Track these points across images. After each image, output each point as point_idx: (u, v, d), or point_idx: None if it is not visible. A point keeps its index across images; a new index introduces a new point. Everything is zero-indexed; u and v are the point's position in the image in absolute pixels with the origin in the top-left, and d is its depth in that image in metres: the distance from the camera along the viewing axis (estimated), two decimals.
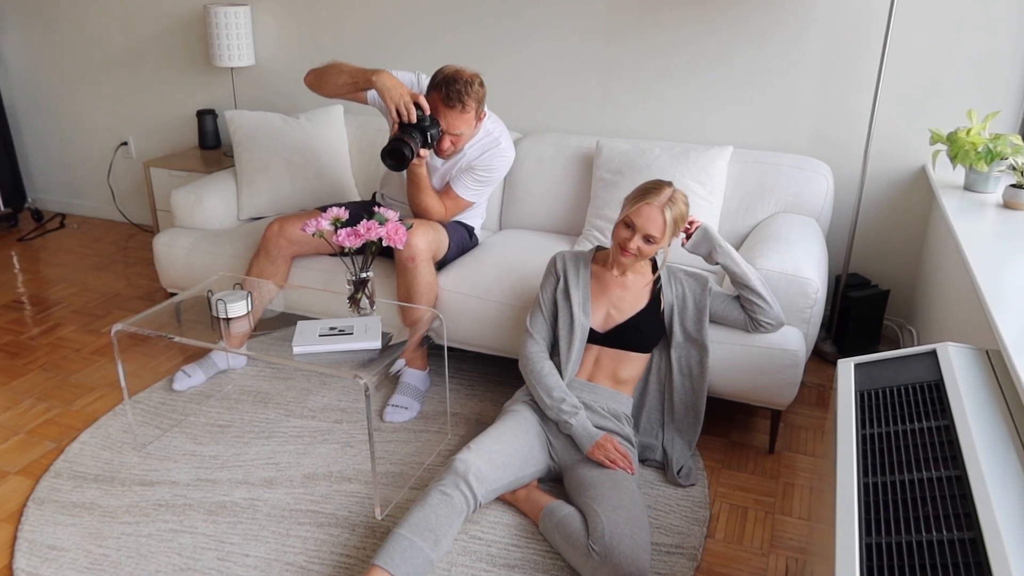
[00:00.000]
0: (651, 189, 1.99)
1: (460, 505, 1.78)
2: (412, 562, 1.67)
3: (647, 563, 1.69)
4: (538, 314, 2.14)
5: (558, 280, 2.14)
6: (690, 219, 2.12)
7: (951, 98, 2.62)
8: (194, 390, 2.57)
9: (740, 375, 2.18)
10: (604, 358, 2.10)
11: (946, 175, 2.56)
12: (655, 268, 2.16)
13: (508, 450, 1.93)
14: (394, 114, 2.27)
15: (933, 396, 1.35)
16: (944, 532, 1.05)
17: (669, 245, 2.05)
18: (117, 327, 2.15)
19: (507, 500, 2.01)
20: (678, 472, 2.12)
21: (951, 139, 2.37)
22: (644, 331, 2.08)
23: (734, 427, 2.43)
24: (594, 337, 2.08)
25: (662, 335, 2.13)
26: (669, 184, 2.01)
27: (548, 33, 3.06)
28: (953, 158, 2.36)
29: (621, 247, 2.01)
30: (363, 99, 2.46)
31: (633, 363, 2.10)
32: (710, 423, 2.44)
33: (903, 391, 1.41)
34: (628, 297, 2.10)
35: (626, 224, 2.00)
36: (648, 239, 1.98)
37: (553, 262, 2.16)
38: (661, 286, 2.12)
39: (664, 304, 2.11)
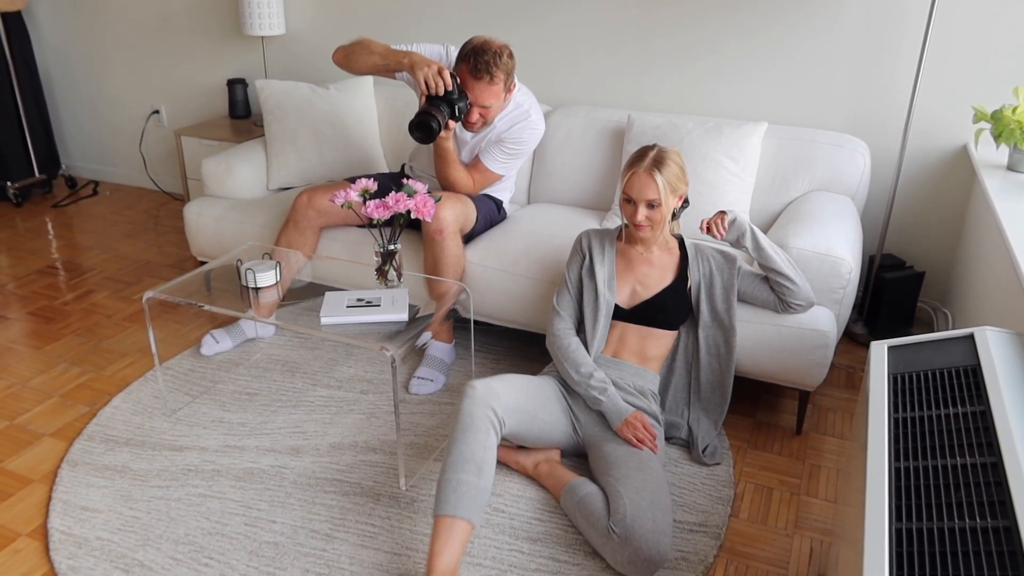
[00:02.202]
0: (636, 159, 1.99)
1: (486, 426, 1.77)
2: (465, 497, 1.67)
3: (668, 546, 1.68)
4: (564, 292, 2.13)
5: (584, 258, 2.13)
6: (718, 216, 2.06)
7: (997, 74, 2.54)
8: (222, 357, 2.60)
9: (769, 355, 2.15)
10: (630, 335, 2.08)
11: (989, 154, 2.49)
12: (683, 245, 2.13)
13: (521, 383, 1.94)
14: (423, 86, 2.25)
15: (969, 381, 1.32)
16: (977, 520, 1.03)
17: (682, 206, 2.08)
18: (148, 294, 2.18)
19: (530, 475, 2.02)
20: (703, 451, 2.11)
21: (996, 117, 2.30)
22: (670, 308, 2.07)
23: (761, 407, 2.41)
24: (620, 314, 2.07)
25: (689, 312, 2.11)
26: (653, 146, 2.00)
27: (581, 3, 3.00)
28: (997, 137, 2.30)
29: (632, 224, 2.01)
30: (392, 75, 2.44)
31: (659, 340, 2.09)
32: (737, 402, 2.42)
33: (938, 375, 1.38)
34: (654, 273, 2.09)
35: (627, 200, 2.00)
36: (650, 205, 1.97)
37: (579, 240, 2.15)
38: (688, 263, 2.10)
39: (691, 281, 2.09)
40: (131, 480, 2.03)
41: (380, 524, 1.89)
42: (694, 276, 2.10)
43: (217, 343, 2.61)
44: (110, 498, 1.96)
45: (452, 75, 2.26)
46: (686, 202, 2.12)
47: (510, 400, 1.86)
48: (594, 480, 1.91)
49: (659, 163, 1.96)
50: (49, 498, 1.98)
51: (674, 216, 2.15)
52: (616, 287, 2.09)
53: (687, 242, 2.13)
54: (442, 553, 1.61)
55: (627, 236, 2.12)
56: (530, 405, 1.93)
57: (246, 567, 1.76)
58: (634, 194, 1.97)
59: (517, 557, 1.79)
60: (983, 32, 2.51)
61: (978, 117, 2.35)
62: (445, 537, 1.63)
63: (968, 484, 1.10)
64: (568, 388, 2.08)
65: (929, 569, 0.99)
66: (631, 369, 2.08)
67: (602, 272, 2.08)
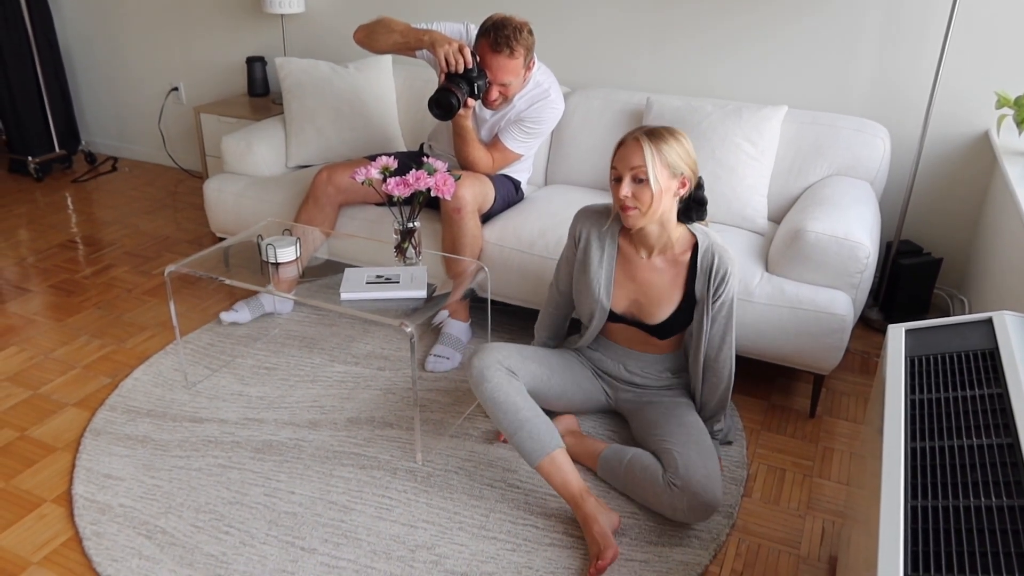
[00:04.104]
0: (628, 133, 1.82)
1: (502, 375, 1.85)
2: (542, 435, 1.79)
3: (720, 490, 1.76)
4: (552, 286, 2.12)
5: (575, 250, 1.99)
6: None
7: (1020, 60, 2.52)
8: (241, 332, 2.63)
9: (785, 338, 2.16)
10: (641, 335, 2.02)
11: (1011, 141, 2.47)
12: (693, 258, 1.90)
13: (530, 350, 1.98)
14: (442, 63, 2.26)
15: (987, 364, 1.33)
16: (993, 498, 1.04)
17: (690, 197, 1.85)
18: (171, 268, 2.21)
19: None
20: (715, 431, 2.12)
21: (1019, 103, 2.28)
22: (676, 329, 1.96)
23: (775, 390, 2.42)
24: (624, 321, 2.00)
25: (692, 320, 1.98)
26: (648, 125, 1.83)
27: None
28: (1020, 123, 2.28)
29: (621, 206, 1.80)
30: (412, 54, 2.44)
31: (671, 339, 2.03)
32: (751, 385, 2.43)
33: (956, 358, 1.38)
34: (657, 284, 1.91)
35: (615, 178, 1.81)
36: (636, 178, 1.76)
37: (573, 226, 1.98)
38: (696, 277, 1.89)
39: (697, 296, 1.92)
40: (153, 450, 2.07)
41: (397, 497, 1.92)
42: (699, 291, 1.89)
43: (235, 312, 2.63)
44: (132, 466, 2.00)
45: (472, 53, 2.27)
46: (702, 201, 1.88)
47: (516, 356, 1.92)
48: (637, 445, 1.96)
49: (652, 134, 1.77)
50: (73, 465, 2.02)
51: (695, 216, 1.90)
52: (614, 293, 1.96)
53: (701, 250, 1.87)
54: (567, 483, 1.79)
55: (624, 229, 1.94)
56: (542, 364, 1.97)
57: (266, 535, 1.79)
58: (620, 166, 1.78)
59: (531, 532, 1.82)
60: (1007, 17, 2.49)
61: (1001, 103, 2.34)
62: (557, 473, 1.79)
63: (984, 464, 1.11)
64: (596, 363, 2.11)
65: (944, 546, 1.01)
66: (647, 358, 2.07)
67: (600, 275, 1.94)
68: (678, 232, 1.88)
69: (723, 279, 1.86)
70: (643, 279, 1.93)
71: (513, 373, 1.88)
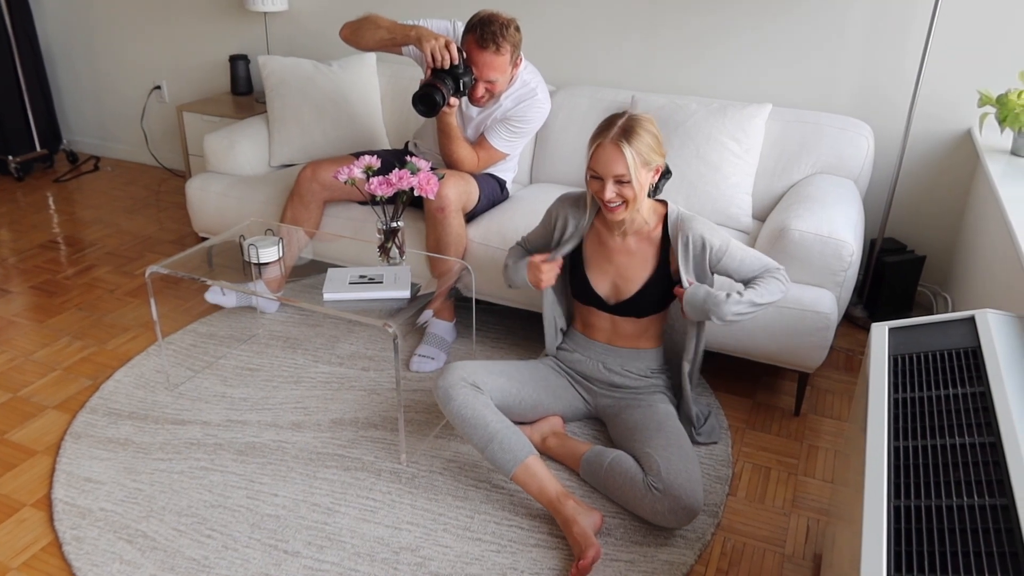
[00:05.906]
0: (602, 129, 1.81)
1: (467, 391, 1.85)
2: (512, 446, 1.80)
3: (701, 494, 1.76)
4: (531, 235, 2.17)
5: (551, 231, 2.07)
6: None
7: (1003, 59, 2.53)
8: (223, 331, 2.61)
9: (769, 336, 2.16)
10: (622, 323, 2.04)
11: (993, 139, 2.49)
12: (665, 231, 1.96)
13: (497, 364, 1.98)
14: (429, 59, 2.24)
15: (970, 362, 1.33)
16: (976, 497, 1.04)
17: (659, 177, 1.91)
18: (152, 269, 2.18)
19: (539, 449, 2.03)
20: (695, 424, 2.10)
21: (1001, 101, 2.30)
22: (654, 300, 1.98)
23: (760, 388, 2.42)
24: (605, 307, 2.02)
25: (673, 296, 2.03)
26: (623, 114, 1.82)
27: None
28: (1002, 121, 2.29)
29: (604, 203, 1.85)
30: (398, 50, 2.43)
31: (653, 321, 2.05)
32: (736, 383, 2.43)
33: (938, 356, 1.38)
34: (633, 264, 1.97)
35: (593, 176, 1.84)
36: (619, 180, 1.80)
37: (554, 211, 2.05)
38: (669, 250, 1.95)
39: (672, 267, 1.97)
40: (134, 453, 2.04)
41: (381, 499, 1.90)
42: (674, 264, 1.96)
43: (223, 295, 2.56)
44: (113, 470, 1.98)
45: (459, 49, 2.26)
46: (667, 173, 1.95)
47: (481, 372, 1.92)
48: (613, 447, 1.96)
49: (628, 133, 1.77)
50: (53, 469, 1.99)
51: (656, 190, 1.98)
52: (594, 276, 2.01)
53: (670, 223, 1.94)
54: (543, 489, 1.79)
55: (599, 216, 1.99)
56: (511, 378, 1.98)
57: (248, 539, 1.77)
58: (600, 169, 1.80)
59: (516, 533, 1.81)
60: (989, 16, 2.50)
61: (983, 101, 2.35)
62: (532, 480, 1.79)
63: (967, 463, 1.11)
64: (574, 368, 2.09)
65: (927, 545, 1.00)
66: (629, 354, 2.07)
67: (569, 246, 2.02)
68: (648, 208, 1.95)
69: (703, 245, 1.91)
70: (620, 261, 1.99)
71: (478, 388, 1.88)
